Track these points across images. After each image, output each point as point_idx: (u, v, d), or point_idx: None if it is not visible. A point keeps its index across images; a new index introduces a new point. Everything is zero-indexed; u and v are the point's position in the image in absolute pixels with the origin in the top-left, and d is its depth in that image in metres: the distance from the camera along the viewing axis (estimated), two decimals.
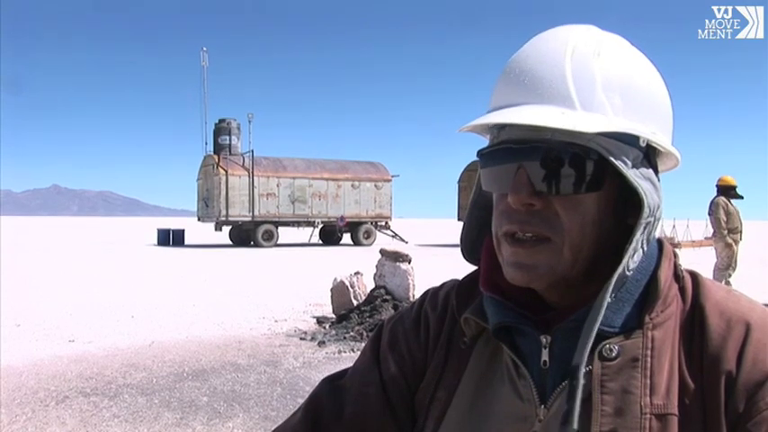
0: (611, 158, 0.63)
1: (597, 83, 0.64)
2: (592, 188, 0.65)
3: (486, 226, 0.76)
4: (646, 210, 0.64)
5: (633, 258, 0.66)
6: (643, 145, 0.66)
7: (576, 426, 0.61)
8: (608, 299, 0.64)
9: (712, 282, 0.72)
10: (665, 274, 0.69)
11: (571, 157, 0.64)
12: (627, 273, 0.66)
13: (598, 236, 0.67)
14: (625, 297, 0.67)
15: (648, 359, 0.65)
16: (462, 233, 0.80)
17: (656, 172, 0.70)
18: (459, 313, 0.77)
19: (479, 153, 0.71)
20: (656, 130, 0.67)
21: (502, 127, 0.69)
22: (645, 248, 0.68)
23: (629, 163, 0.65)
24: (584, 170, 0.64)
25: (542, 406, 0.68)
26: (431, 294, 0.85)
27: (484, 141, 0.74)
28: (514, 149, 0.66)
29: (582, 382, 0.62)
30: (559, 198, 0.65)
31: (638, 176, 0.65)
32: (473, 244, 0.80)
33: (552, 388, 0.68)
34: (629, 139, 0.65)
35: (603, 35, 0.69)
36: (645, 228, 0.66)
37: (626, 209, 0.68)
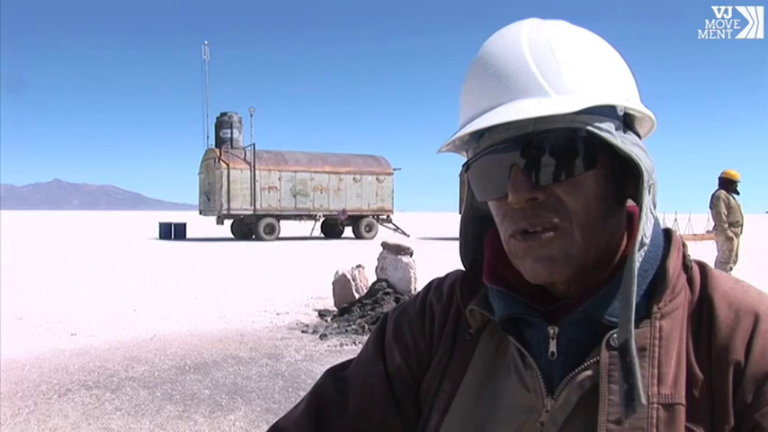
0: (597, 131, 0.63)
1: (562, 67, 0.64)
2: (588, 166, 0.65)
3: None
4: (645, 173, 0.64)
5: (647, 224, 0.65)
6: (621, 114, 0.66)
7: (643, 400, 0.60)
8: (638, 258, 0.63)
9: (720, 272, 0.71)
10: (674, 263, 0.68)
11: (560, 142, 0.64)
12: (645, 240, 0.65)
13: (604, 214, 0.66)
14: None
15: (656, 349, 0.64)
16: (461, 250, 0.80)
17: (639, 138, 0.70)
18: (464, 305, 0.77)
19: (466, 165, 0.71)
20: (627, 96, 0.67)
21: (481, 135, 0.68)
22: (654, 213, 0.68)
23: (614, 133, 0.65)
24: (575, 151, 0.64)
25: (549, 397, 0.67)
26: (435, 285, 0.84)
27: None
28: (500, 150, 0.65)
29: (636, 356, 0.61)
30: (560, 184, 0.64)
31: (626, 144, 0.65)
32: (473, 260, 0.80)
33: (560, 379, 0.67)
34: (607, 111, 0.65)
35: (549, 23, 0.69)
36: (649, 191, 0.66)
37: (625, 183, 0.68)
